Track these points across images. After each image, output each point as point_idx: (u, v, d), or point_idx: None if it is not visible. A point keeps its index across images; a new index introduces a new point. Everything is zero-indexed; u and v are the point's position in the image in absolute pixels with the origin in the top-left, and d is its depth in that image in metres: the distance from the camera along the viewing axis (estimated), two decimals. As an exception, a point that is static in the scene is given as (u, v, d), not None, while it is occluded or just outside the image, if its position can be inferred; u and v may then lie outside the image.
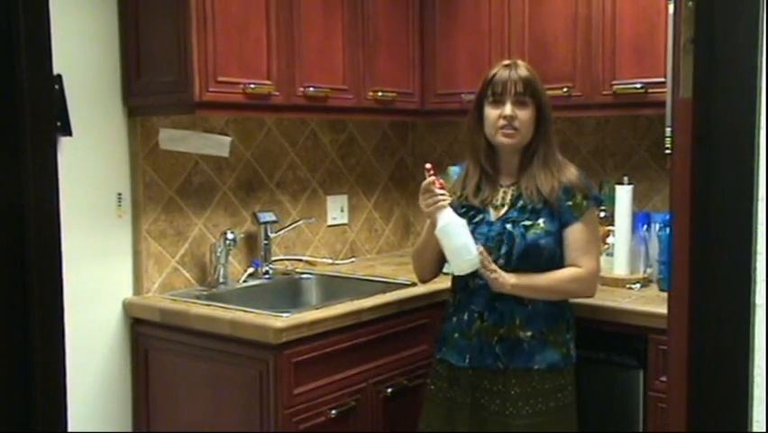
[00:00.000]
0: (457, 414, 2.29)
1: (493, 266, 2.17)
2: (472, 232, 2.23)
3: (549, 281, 2.23)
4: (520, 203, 2.27)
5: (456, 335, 2.30)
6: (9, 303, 1.15)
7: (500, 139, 2.28)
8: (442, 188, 2.22)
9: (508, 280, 2.18)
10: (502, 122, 2.26)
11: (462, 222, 2.19)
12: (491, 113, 2.28)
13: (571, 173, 2.28)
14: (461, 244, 2.15)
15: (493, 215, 2.29)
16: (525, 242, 2.22)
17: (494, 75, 2.30)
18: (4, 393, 1.16)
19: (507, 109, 2.25)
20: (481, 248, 2.17)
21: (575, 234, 2.24)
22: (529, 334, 2.24)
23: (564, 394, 2.27)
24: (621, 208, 2.82)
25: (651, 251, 2.81)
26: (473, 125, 2.34)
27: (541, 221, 2.24)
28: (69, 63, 2.48)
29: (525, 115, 2.26)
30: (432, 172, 2.22)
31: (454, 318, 2.32)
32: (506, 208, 2.29)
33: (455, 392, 2.30)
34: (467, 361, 2.27)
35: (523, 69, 2.29)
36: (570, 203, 2.24)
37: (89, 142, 2.59)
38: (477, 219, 2.30)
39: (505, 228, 2.25)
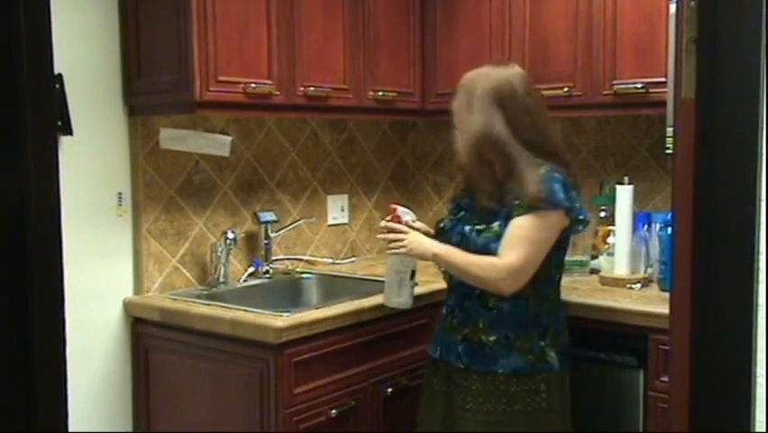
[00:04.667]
0: (435, 402, 2.37)
1: (405, 227, 2.33)
2: (451, 229, 2.33)
3: (463, 261, 2.22)
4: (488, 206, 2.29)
5: (437, 327, 2.41)
6: (9, 303, 1.15)
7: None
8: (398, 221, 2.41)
9: (430, 248, 2.28)
10: None
11: (398, 267, 2.45)
12: None
13: (530, 178, 2.18)
14: (386, 284, 2.50)
15: (474, 215, 2.34)
16: (476, 246, 2.23)
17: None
18: (4, 393, 1.16)
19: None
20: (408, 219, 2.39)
21: (509, 228, 2.18)
22: (492, 338, 2.23)
23: (536, 400, 2.22)
24: (622, 208, 2.82)
25: (651, 251, 2.81)
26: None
27: (495, 224, 2.22)
28: (70, 63, 2.48)
29: (459, 138, 2.30)
30: (394, 210, 2.44)
31: (441, 312, 2.42)
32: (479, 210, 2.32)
33: (435, 381, 2.38)
34: (438, 354, 2.36)
35: (458, 95, 2.30)
36: (517, 202, 2.19)
37: (90, 142, 2.59)
38: (459, 216, 2.36)
39: (464, 229, 2.28)
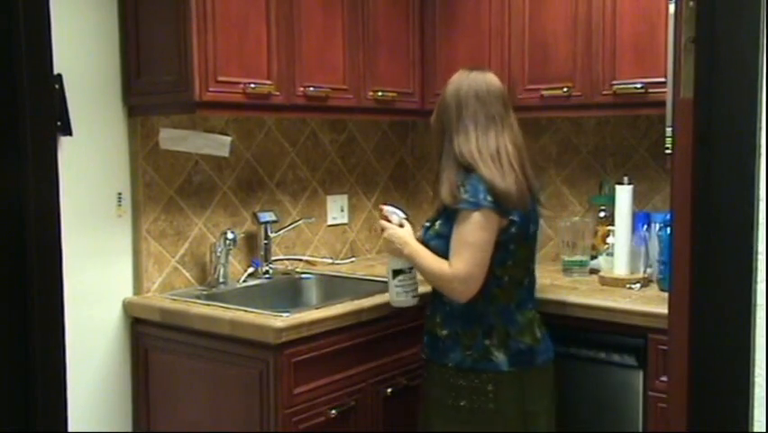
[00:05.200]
0: (421, 395, 2.50)
1: (388, 225, 2.43)
2: None
3: (425, 264, 2.32)
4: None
5: None
6: (9, 303, 1.15)
7: None
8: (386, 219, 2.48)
9: (402, 247, 2.38)
10: None
11: (388, 266, 2.49)
12: None
13: (459, 181, 2.26)
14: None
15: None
16: (423, 241, 2.37)
17: None
18: (4, 393, 1.16)
19: None
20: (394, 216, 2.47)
21: (452, 236, 2.26)
22: (445, 332, 2.34)
23: (483, 399, 2.26)
24: (621, 208, 2.82)
25: (651, 251, 2.81)
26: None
27: (438, 223, 2.34)
28: (70, 63, 2.48)
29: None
30: (381, 211, 2.53)
31: None
32: None
33: (424, 375, 2.50)
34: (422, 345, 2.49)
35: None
36: (450, 208, 2.27)
37: (89, 142, 2.59)
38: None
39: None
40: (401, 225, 2.44)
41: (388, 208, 2.50)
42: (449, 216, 2.28)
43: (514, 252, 2.28)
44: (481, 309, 2.29)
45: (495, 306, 2.29)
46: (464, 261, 2.21)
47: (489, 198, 2.20)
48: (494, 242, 2.23)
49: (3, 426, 1.16)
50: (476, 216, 2.20)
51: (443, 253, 2.27)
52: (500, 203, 2.21)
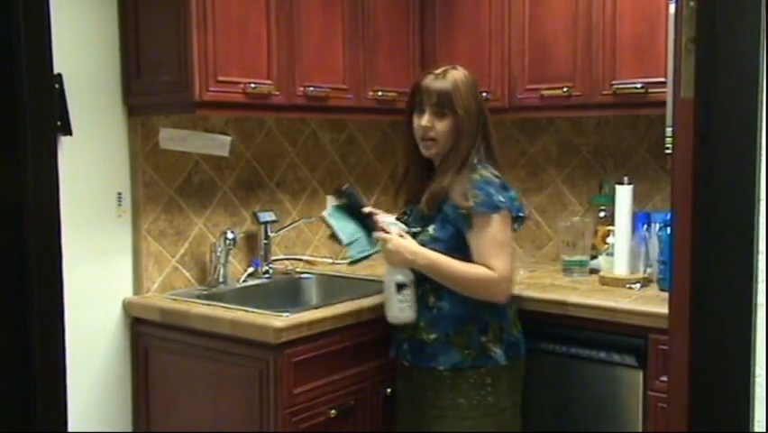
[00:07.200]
0: (402, 402, 2.49)
1: (382, 233, 2.32)
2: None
3: (455, 270, 2.26)
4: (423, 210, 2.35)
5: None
6: (9, 303, 1.15)
7: (422, 150, 2.38)
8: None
9: (414, 259, 2.27)
10: (420, 131, 2.35)
11: (386, 278, 2.36)
12: (415, 120, 2.38)
13: (462, 183, 2.26)
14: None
15: (413, 219, 2.42)
16: None
17: (419, 82, 2.38)
18: (4, 393, 1.16)
19: (424, 120, 2.33)
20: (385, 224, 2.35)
21: (471, 242, 2.27)
22: (432, 336, 2.32)
23: (482, 394, 2.30)
24: (621, 208, 2.82)
25: (651, 251, 2.80)
26: (406, 131, 2.44)
27: (431, 228, 2.31)
28: (69, 63, 2.48)
29: (442, 126, 2.32)
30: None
31: None
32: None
33: (398, 382, 2.51)
34: (394, 354, 2.47)
35: (445, 81, 2.31)
36: (462, 211, 2.26)
37: (89, 142, 2.59)
38: (403, 220, 2.43)
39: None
40: (401, 237, 2.32)
41: (385, 219, 2.38)
42: (444, 219, 2.28)
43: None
44: (476, 309, 2.30)
45: (488, 303, 2.31)
46: (504, 261, 2.24)
47: (501, 199, 2.24)
48: None
49: (3, 426, 1.16)
50: (496, 218, 2.24)
51: None
52: (513, 199, 2.28)
